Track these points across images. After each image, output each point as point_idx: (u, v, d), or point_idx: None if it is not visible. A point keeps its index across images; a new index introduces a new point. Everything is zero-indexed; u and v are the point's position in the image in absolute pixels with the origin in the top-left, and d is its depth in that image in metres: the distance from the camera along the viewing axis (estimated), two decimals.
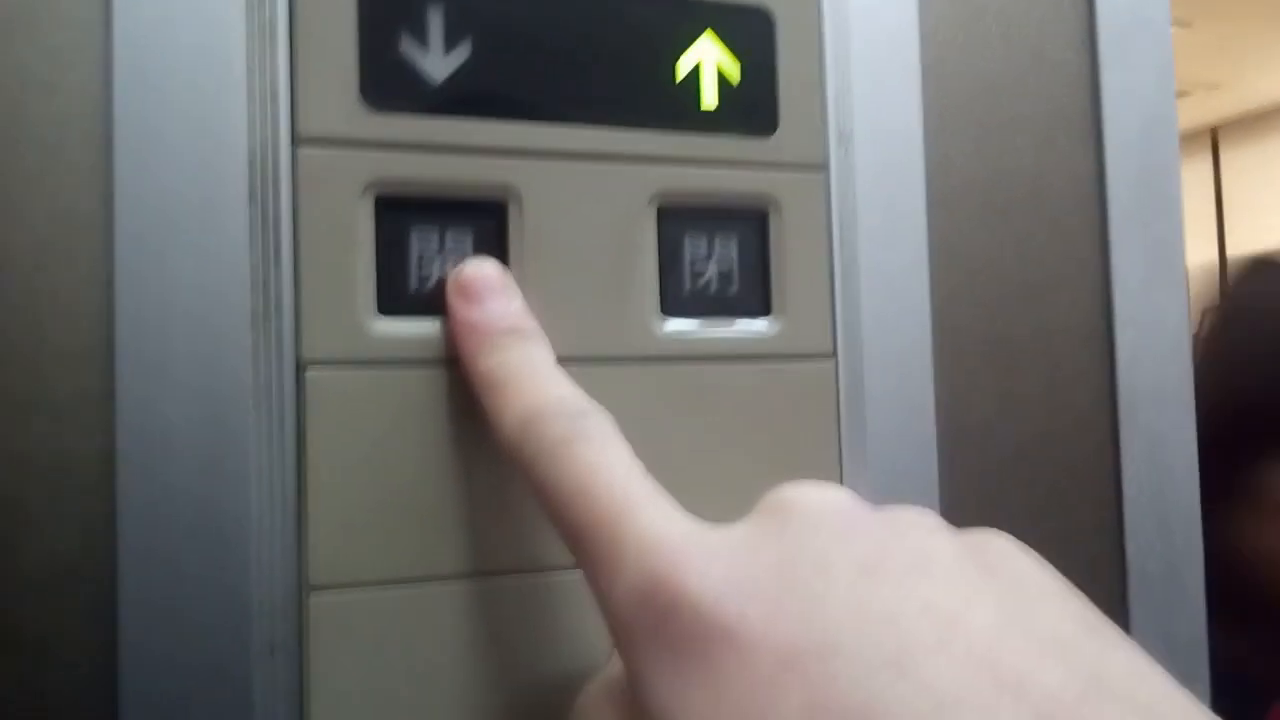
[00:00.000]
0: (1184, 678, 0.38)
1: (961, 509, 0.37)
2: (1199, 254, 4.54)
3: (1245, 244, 4.46)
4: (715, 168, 0.34)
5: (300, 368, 0.30)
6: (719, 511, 0.30)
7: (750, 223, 0.35)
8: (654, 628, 0.23)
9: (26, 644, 0.28)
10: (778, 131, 0.35)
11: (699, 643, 0.22)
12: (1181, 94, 4.15)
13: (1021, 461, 0.39)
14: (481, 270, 0.31)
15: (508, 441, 0.28)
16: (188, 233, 0.29)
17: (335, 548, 0.29)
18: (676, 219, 0.34)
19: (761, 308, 0.35)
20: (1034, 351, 0.39)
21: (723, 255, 0.34)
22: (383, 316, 0.31)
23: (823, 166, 0.35)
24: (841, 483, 0.35)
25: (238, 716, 0.29)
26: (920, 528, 0.25)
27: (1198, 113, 4.36)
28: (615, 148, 0.33)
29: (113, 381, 0.29)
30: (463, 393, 0.31)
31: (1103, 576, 0.39)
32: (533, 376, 0.29)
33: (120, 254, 0.29)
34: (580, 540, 0.26)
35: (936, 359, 0.37)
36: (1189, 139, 4.51)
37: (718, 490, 0.33)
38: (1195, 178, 4.56)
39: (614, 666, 0.26)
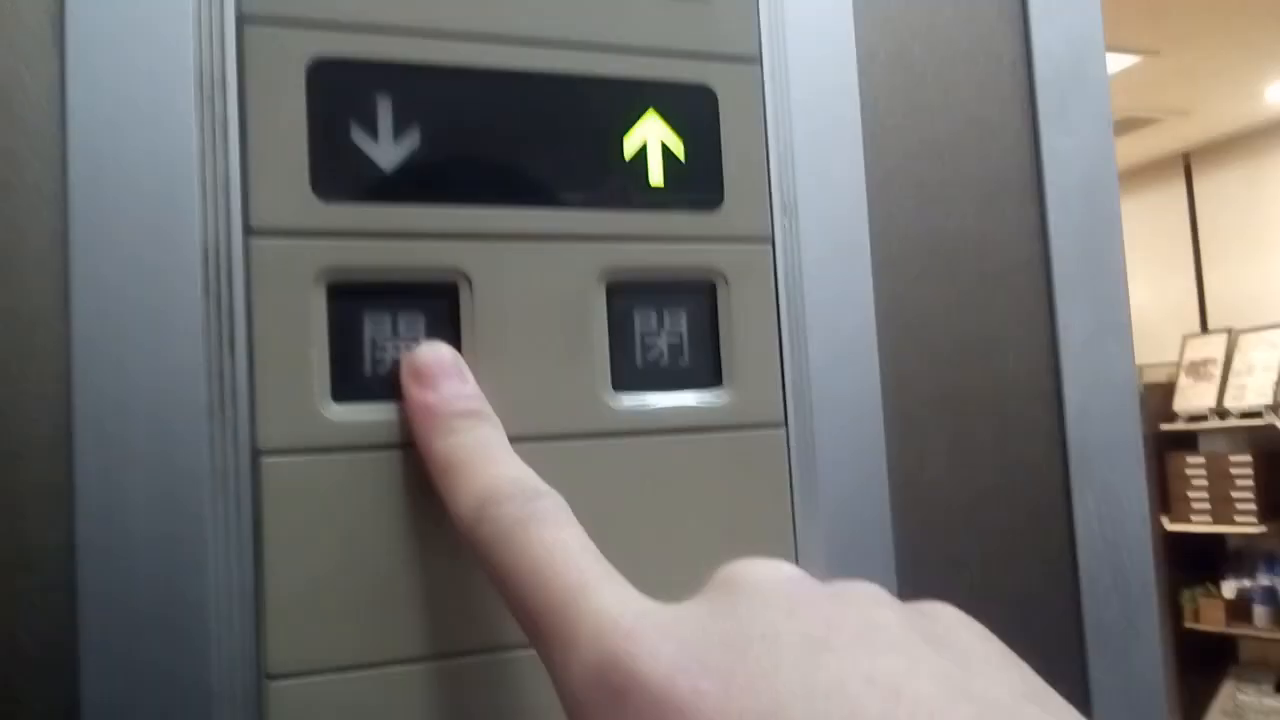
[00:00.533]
0: None
1: (916, 568, 0.37)
2: (1177, 280, 4.58)
3: (1221, 269, 4.50)
4: (663, 243, 0.35)
5: (256, 456, 0.30)
6: (675, 583, 0.30)
7: (699, 296, 0.36)
8: (609, 707, 0.23)
9: None
10: (723, 205, 0.36)
11: None
12: (1152, 121, 4.20)
13: (975, 517, 0.39)
14: (435, 353, 0.32)
15: (463, 523, 0.29)
16: (143, 325, 0.30)
17: (293, 635, 0.30)
18: (626, 294, 0.35)
19: (712, 379, 0.36)
20: (983, 408, 0.40)
21: (672, 328, 0.35)
22: (337, 403, 0.31)
23: (768, 238, 0.36)
24: (796, 549, 0.36)
25: None
26: (866, 600, 0.25)
27: (1168, 139, 4.41)
28: (564, 228, 0.34)
29: (72, 475, 0.29)
30: (418, 476, 0.31)
31: (1059, 628, 0.40)
32: (486, 458, 0.30)
33: (77, 348, 0.30)
34: (535, 621, 0.26)
35: (887, 421, 0.38)
36: (1161, 166, 4.56)
37: (673, 562, 0.33)
38: (1170, 204, 4.60)
39: None
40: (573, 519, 0.28)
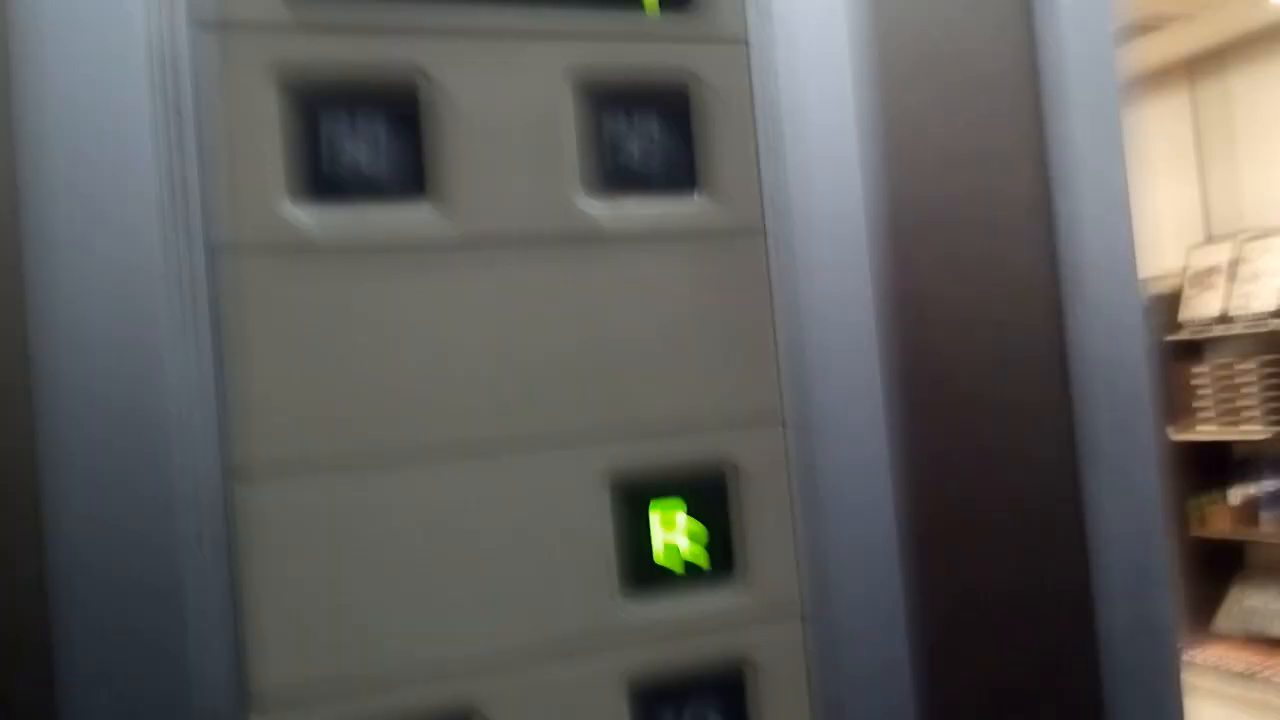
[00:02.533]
0: (1140, 533, 0.38)
1: (903, 378, 0.37)
2: (1181, 192, 4.53)
3: (1224, 177, 4.45)
4: (633, 42, 0.34)
5: (212, 254, 0.29)
6: (654, 386, 0.30)
7: (672, 99, 0.34)
8: None
9: None
10: (695, 3, 0.34)
11: None
12: (1154, 28, 4.12)
13: (966, 328, 0.38)
14: None
15: None
16: (91, 126, 0.29)
17: (260, 433, 0.29)
18: (596, 96, 0.33)
19: (688, 185, 0.34)
20: (973, 219, 0.39)
21: (645, 132, 0.34)
22: (295, 201, 0.30)
23: (742, 39, 0.35)
24: (778, 357, 0.35)
25: (170, 610, 0.29)
26: None
27: (1170, 46, 4.34)
28: (528, 25, 0.32)
29: (22, 278, 0.28)
30: (378, 273, 0.30)
31: (1053, 442, 0.39)
32: None
33: (22, 152, 0.29)
34: None
35: (870, 229, 0.36)
36: (1164, 74, 4.49)
37: (657, 368, 0.33)
38: (1172, 113, 4.54)
39: None
40: None
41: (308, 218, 0.30)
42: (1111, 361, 0.40)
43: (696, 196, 0.34)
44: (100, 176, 0.29)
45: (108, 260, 0.29)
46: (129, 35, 0.29)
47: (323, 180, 0.30)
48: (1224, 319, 3.96)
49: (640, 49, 0.34)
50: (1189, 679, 0.40)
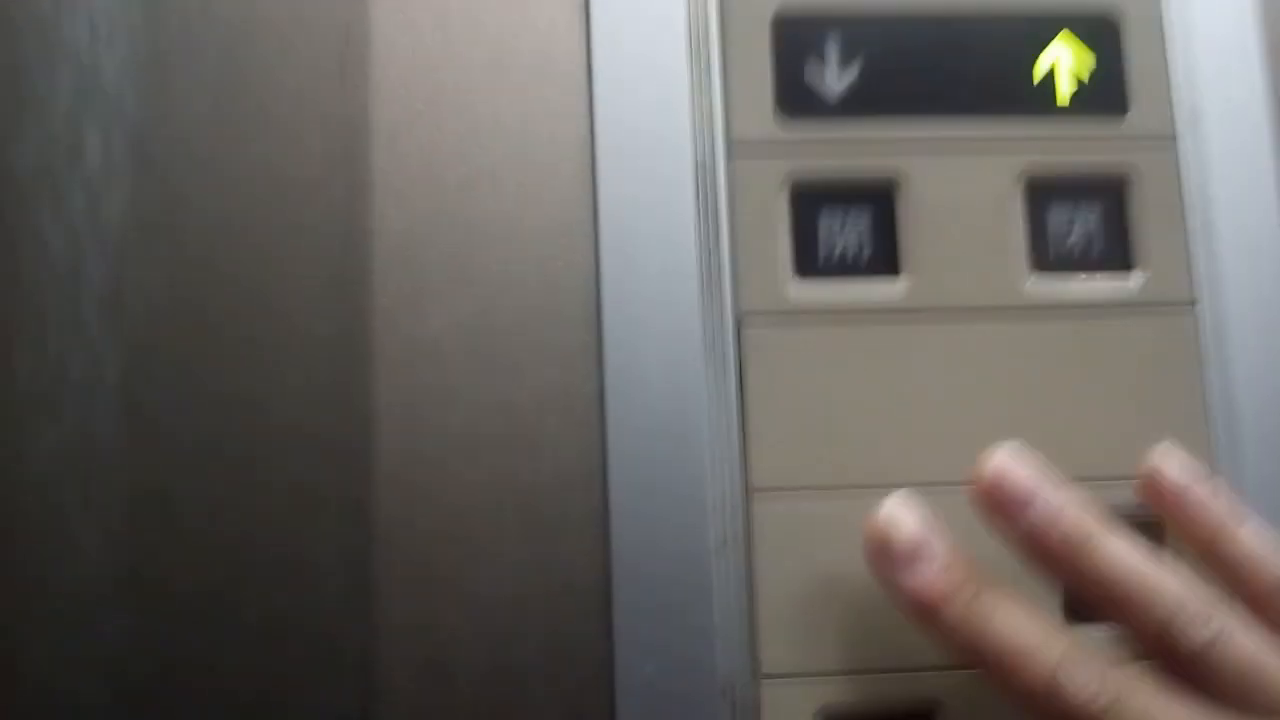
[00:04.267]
0: None
1: None
2: None
3: None
4: (1073, 146, 0.40)
5: (738, 321, 0.38)
6: (1086, 459, 0.35)
7: (1109, 193, 0.40)
8: None
9: (540, 542, 0.37)
10: (1129, 113, 0.40)
11: None
12: None
13: None
14: (899, 530, 0.34)
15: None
16: (647, 225, 0.39)
17: (773, 457, 0.37)
18: (1042, 192, 0.40)
19: (1124, 264, 0.40)
20: None
21: (1086, 221, 0.40)
22: (798, 278, 0.39)
23: (1173, 137, 0.40)
24: (1208, 426, 0.39)
25: (699, 599, 0.37)
26: None
27: None
28: (982, 132, 0.39)
29: (600, 334, 0.38)
30: (858, 335, 0.38)
31: None
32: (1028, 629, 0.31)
33: (604, 244, 0.39)
34: None
35: None
36: None
37: (1091, 426, 0.38)
38: None
39: None
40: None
41: (808, 291, 0.38)
42: None
43: (1132, 274, 0.40)
44: (652, 264, 0.38)
45: (658, 328, 0.38)
46: (679, 157, 0.39)
47: (819, 262, 0.39)
48: None
49: (1080, 148, 0.40)
50: None
